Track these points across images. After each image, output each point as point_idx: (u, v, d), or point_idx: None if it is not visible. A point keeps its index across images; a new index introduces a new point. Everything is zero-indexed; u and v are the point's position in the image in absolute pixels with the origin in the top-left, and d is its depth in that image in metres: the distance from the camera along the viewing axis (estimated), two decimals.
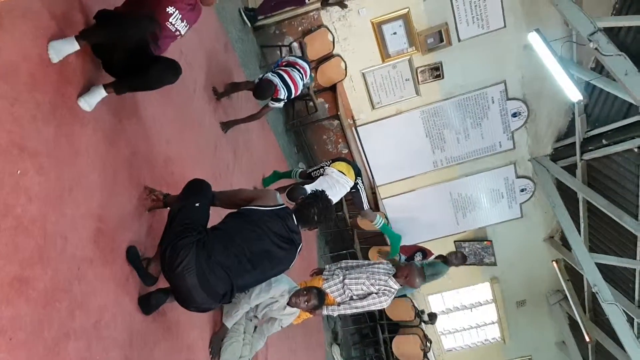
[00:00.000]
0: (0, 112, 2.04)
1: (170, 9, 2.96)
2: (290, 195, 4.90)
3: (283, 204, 3.05)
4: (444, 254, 6.51)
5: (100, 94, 2.69)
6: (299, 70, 5.17)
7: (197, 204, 2.82)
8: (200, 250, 2.64)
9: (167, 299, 2.95)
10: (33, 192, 2.13)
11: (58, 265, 2.21)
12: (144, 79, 2.77)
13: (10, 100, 2.11)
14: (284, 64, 5.30)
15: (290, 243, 3.00)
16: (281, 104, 5.07)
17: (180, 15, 3.02)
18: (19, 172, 2.07)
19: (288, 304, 4.22)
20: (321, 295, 4.38)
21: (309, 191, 4.87)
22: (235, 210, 3.01)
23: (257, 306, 4.22)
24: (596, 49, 5.32)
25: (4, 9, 2.13)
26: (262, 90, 4.90)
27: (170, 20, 2.99)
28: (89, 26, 2.71)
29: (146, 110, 3.39)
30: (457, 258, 6.36)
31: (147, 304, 2.88)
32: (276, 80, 4.92)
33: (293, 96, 5.13)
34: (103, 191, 2.66)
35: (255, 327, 4.30)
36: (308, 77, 5.38)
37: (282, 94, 4.93)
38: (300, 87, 5.20)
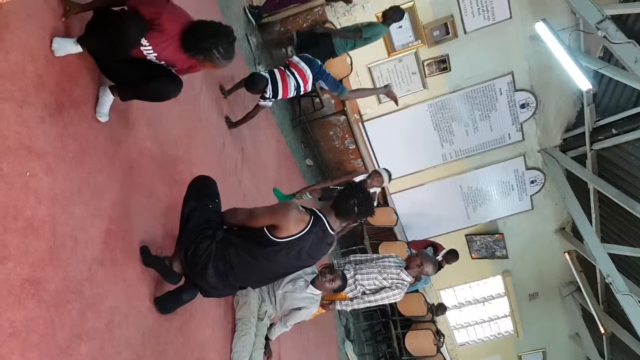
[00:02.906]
0: (8, 114, 2.04)
1: (144, 42, 2.58)
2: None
3: (306, 226, 2.76)
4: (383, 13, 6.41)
5: (108, 99, 2.71)
6: (293, 75, 5.07)
7: (210, 206, 2.86)
8: (219, 261, 2.72)
9: (188, 301, 2.95)
10: (42, 193, 2.13)
11: (69, 267, 2.21)
12: (145, 93, 2.76)
13: (19, 102, 2.11)
14: (285, 63, 5.24)
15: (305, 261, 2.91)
16: (269, 103, 5.00)
17: (155, 54, 2.65)
18: (27, 173, 2.07)
19: (313, 283, 4.25)
20: (345, 279, 4.42)
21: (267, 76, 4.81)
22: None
23: (274, 301, 4.28)
24: (604, 37, 5.27)
25: (10, 10, 2.13)
26: (252, 82, 4.85)
27: (142, 51, 2.64)
28: (84, 31, 2.64)
29: (153, 109, 3.38)
30: (394, 19, 6.27)
31: (165, 304, 2.89)
32: (267, 76, 4.87)
33: (280, 98, 5.06)
34: (112, 191, 2.66)
35: (271, 326, 4.30)
36: (309, 81, 5.25)
37: (268, 93, 4.87)
38: (292, 92, 5.07)
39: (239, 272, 2.76)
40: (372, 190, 5.37)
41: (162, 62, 2.72)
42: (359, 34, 6.17)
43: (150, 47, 2.59)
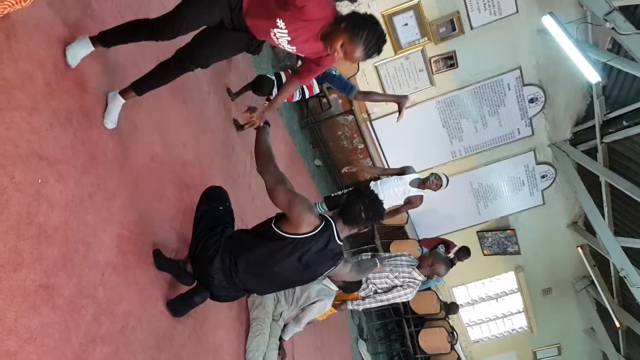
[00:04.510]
0: (18, 122, 2.06)
1: (280, 22, 2.54)
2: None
3: (315, 229, 2.74)
4: None
5: (117, 104, 2.72)
6: None
7: (220, 208, 2.98)
8: (226, 255, 2.75)
9: (199, 303, 2.97)
10: (54, 200, 2.14)
11: (82, 272, 2.23)
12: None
13: (28, 110, 2.12)
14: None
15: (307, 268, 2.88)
16: None
17: (289, 39, 2.62)
18: (39, 180, 2.09)
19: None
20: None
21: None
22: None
23: (292, 298, 4.32)
24: (613, 28, 5.23)
25: (18, 19, 2.15)
26: (258, 84, 4.87)
27: (274, 34, 2.61)
28: (108, 30, 2.65)
29: (161, 113, 3.40)
30: None
31: (177, 307, 2.91)
32: (273, 79, 4.88)
33: (286, 100, 5.07)
34: (123, 196, 2.67)
35: (284, 326, 4.31)
36: (313, 84, 5.24)
37: (274, 95, 4.89)
38: (297, 95, 5.10)
39: (242, 276, 2.77)
40: (420, 193, 5.37)
41: (292, 49, 2.63)
42: None
43: (285, 30, 2.51)
